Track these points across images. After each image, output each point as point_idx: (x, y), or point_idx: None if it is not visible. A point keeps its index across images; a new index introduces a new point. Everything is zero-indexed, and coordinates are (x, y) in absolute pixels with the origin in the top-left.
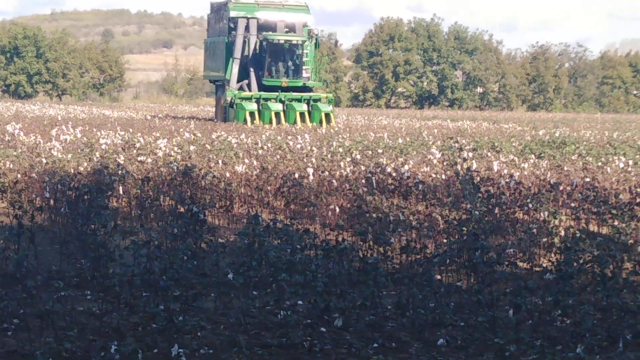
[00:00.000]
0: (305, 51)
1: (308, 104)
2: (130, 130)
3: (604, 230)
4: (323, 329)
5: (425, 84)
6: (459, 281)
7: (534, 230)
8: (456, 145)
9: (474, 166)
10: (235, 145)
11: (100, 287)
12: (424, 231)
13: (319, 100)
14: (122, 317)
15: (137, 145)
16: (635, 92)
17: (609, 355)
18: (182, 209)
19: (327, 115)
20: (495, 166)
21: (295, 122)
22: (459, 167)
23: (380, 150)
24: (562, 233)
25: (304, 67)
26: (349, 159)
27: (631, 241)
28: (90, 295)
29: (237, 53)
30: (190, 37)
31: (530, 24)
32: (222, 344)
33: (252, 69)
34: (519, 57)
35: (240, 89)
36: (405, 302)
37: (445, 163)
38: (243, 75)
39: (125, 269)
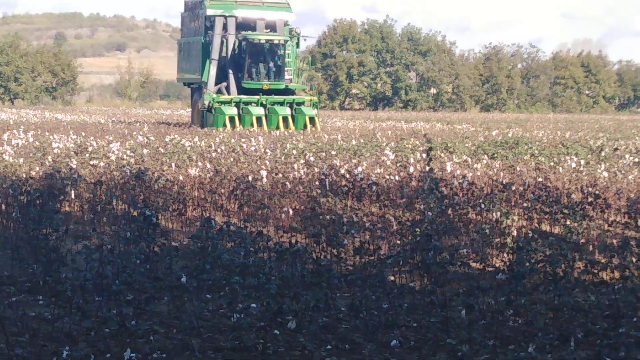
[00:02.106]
0: (287, 51)
1: (291, 107)
2: (83, 134)
3: (556, 230)
4: (276, 332)
5: (379, 85)
6: (412, 282)
7: (487, 231)
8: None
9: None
10: (188, 149)
11: (52, 292)
12: (378, 232)
13: (302, 103)
14: (74, 322)
15: (90, 149)
16: (587, 92)
17: (560, 354)
18: (135, 213)
19: (312, 119)
20: (449, 167)
21: (277, 127)
22: (421, 166)
23: (333, 152)
24: (515, 233)
25: (286, 69)
26: (302, 161)
27: (583, 240)
28: (42, 300)
29: (215, 54)
30: (143, 40)
31: (483, 24)
32: (175, 347)
33: (230, 71)
34: (472, 58)
35: (219, 92)
36: (359, 304)
37: (398, 164)
38: (221, 77)
39: (77, 273)
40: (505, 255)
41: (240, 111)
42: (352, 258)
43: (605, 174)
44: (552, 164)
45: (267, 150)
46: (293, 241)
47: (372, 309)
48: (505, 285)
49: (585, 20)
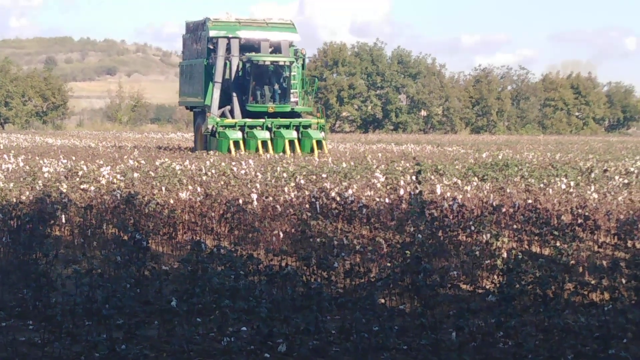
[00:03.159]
0: (292, 73)
1: (298, 130)
2: (74, 158)
3: (546, 252)
4: (267, 355)
5: (369, 108)
6: (403, 304)
7: (477, 253)
8: (412, 166)
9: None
10: (179, 172)
11: (42, 316)
12: (368, 255)
13: (309, 126)
14: (64, 346)
15: (80, 173)
16: (577, 113)
17: None
18: (125, 237)
19: (319, 142)
20: (439, 189)
21: (283, 151)
22: (410, 188)
23: (324, 175)
24: (505, 255)
25: (291, 91)
26: (292, 184)
27: (572, 262)
28: (32, 325)
29: (218, 76)
30: (133, 64)
31: (473, 46)
32: None
33: (234, 94)
34: (462, 80)
35: (223, 115)
36: (349, 327)
37: (388, 187)
38: (225, 100)
39: (67, 298)
40: (495, 277)
41: (245, 135)
42: (342, 281)
43: (595, 195)
44: (542, 185)
45: (258, 174)
46: (283, 264)
47: (362, 331)
48: (495, 307)
49: (574, 41)
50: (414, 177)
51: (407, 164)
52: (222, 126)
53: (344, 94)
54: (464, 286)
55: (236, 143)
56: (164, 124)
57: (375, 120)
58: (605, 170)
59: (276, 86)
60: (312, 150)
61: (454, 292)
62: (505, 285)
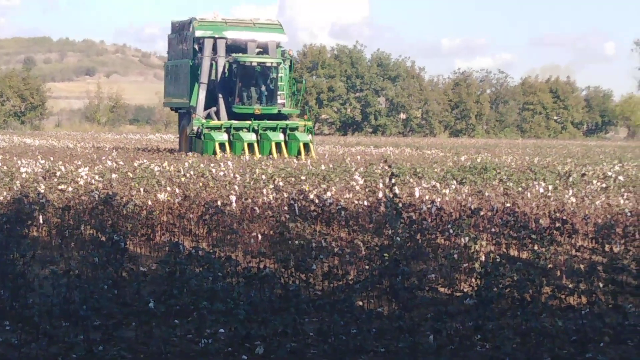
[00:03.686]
0: (279, 74)
1: (284, 133)
2: (52, 158)
3: (524, 255)
4: (244, 357)
5: (348, 110)
6: (380, 307)
7: (455, 256)
8: (385, 170)
9: (396, 191)
10: (157, 173)
11: (18, 317)
12: (346, 258)
13: (296, 128)
14: (41, 347)
15: (58, 173)
16: (555, 117)
17: None
18: (103, 238)
19: (306, 145)
20: (417, 192)
21: (270, 154)
22: (384, 192)
23: (303, 177)
24: (483, 258)
25: (278, 93)
26: (271, 186)
27: (550, 265)
28: (9, 326)
29: (204, 77)
30: (112, 65)
31: (452, 50)
32: None
33: (220, 95)
34: (442, 84)
35: (208, 117)
36: (327, 329)
37: (367, 190)
38: (211, 102)
39: (44, 298)
40: (473, 280)
41: (231, 137)
42: (320, 283)
43: (573, 199)
44: (520, 189)
45: (236, 175)
46: (261, 266)
47: (340, 334)
48: (473, 310)
49: (553, 46)
50: (387, 181)
51: (386, 167)
52: (207, 128)
53: (324, 97)
54: (442, 289)
55: (222, 145)
56: (142, 125)
57: (355, 122)
58: (583, 175)
59: (263, 87)
60: (299, 153)
61: (432, 295)
62: (483, 288)
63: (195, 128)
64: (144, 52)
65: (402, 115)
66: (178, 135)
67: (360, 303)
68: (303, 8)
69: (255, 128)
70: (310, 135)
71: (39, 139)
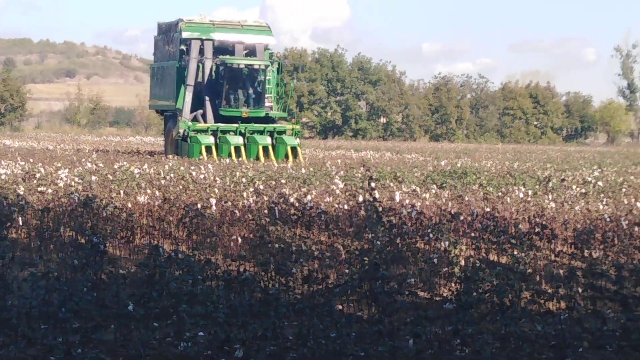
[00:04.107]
0: (267, 77)
1: (272, 136)
2: (31, 160)
3: (504, 260)
4: None
5: (329, 114)
6: (360, 311)
7: (435, 260)
8: (365, 174)
9: (377, 195)
10: (137, 176)
11: None
12: (326, 261)
13: (284, 132)
14: (20, 350)
15: (38, 175)
16: (535, 123)
17: None
18: (82, 240)
19: (294, 149)
20: (398, 196)
21: (257, 158)
22: (364, 196)
23: (283, 181)
24: (462, 263)
25: (266, 95)
26: (251, 189)
27: (530, 270)
28: None
29: (191, 79)
30: (93, 67)
31: (433, 55)
32: None
33: (207, 98)
34: (422, 88)
35: (195, 119)
36: (307, 333)
37: (347, 193)
38: (197, 104)
39: (23, 301)
40: (452, 284)
41: (218, 140)
42: (300, 287)
43: (553, 204)
44: (500, 194)
45: (217, 178)
46: (241, 269)
47: (319, 338)
48: (452, 314)
49: (533, 51)
50: (366, 185)
51: (366, 171)
52: (194, 130)
53: (304, 100)
54: (421, 293)
55: (208, 148)
56: (123, 127)
57: (335, 126)
58: (563, 180)
59: (250, 90)
60: (286, 157)
61: (412, 299)
62: (463, 293)
63: (181, 131)
64: (125, 54)
65: (383, 119)
66: (164, 138)
67: (340, 307)
68: (284, 11)
69: (242, 131)
70: (298, 139)
71: (19, 141)
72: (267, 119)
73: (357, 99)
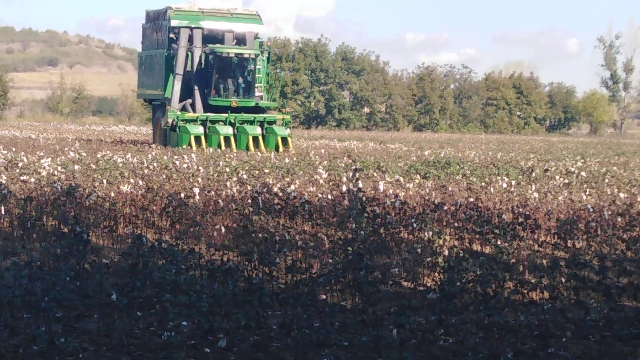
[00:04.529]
0: (257, 66)
1: (262, 126)
2: (14, 149)
3: (487, 250)
4: (207, 350)
5: (312, 104)
6: (344, 301)
7: (418, 250)
8: (349, 165)
9: (360, 185)
10: (120, 165)
11: None
12: (310, 251)
13: (274, 122)
14: (2, 339)
15: (20, 164)
16: (518, 113)
17: None
18: (65, 229)
19: (285, 139)
20: (381, 186)
21: (247, 148)
22: (348, 186)
23: (266, 170)
24: (446, 252)
25: (256, 85)
26: (235, 179)
27: (513, 260)
28: None
29: (180, 68)
30: (76, 55)
31: (417, 45)
32: None
33: (196, 87)
34: (406, 78)
35: (184, 109)
36: (290, 322)
37: (331, 183)
38: (186, 93)
39: (6, 290)
40: (436, 274)
41: (207, 130)
42: (284, 276)
43: (536, 194)
44: (483, 184)
45: (200, 168)
46: (225, 259)
47: (303, 327)
48: (436, 304)
49: (516, 42)
50: (350, 175)
51: (350, 161)
52: (182, 120)
53: (288, 90)
54: (405, 283)
55: (197, 138)
56: (105, 116)
57: (319, 116)
58: (546, 170)
59: (240, 80)
60: (277, 148)
61: (395, 289)
62: (446, 282)
63: (170, 120)
64: (108, 43)
65: (366, 109)
66: (152, 128)
67: (324, 297)
68: (268, 1)
69: (232, 121)
70: (288, 129)
71: (1, 130)
72: (257, 109)
73: (341, 88)
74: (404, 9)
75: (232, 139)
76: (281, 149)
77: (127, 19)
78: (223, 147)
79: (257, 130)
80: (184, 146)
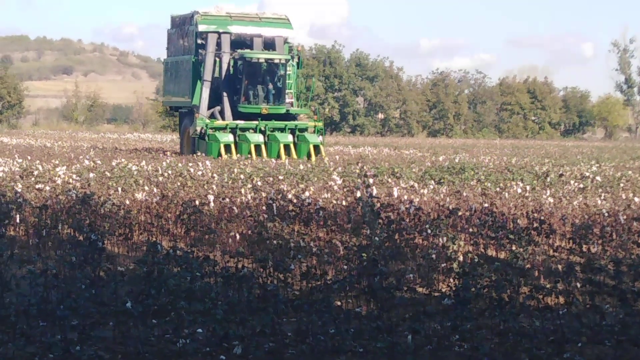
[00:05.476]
0: (287, 72)
1: (293, 134)
2: (29, 157)
3: (502, 255)
4: (222, 357)
5: (327, 110)
6: (359, 307)
7: (433, 256)
8: (362, 171)
9: (374, 192)
10: (135, 172)
11: None
12: (324, 257)
13: (305, 129)
14: (18, 347)
15: (36, 172)
16: (533, 118)
17: None
18: (80, 237)
19: (317, 147)
20: (396, 192)
21: (278, 156)
22: (360, 193)
23: (281, 177)
24: (461, 258)
25: (286, 91)
26: (249, 186)
27: (528, 266)
28: None
29: (208, 75)
30: (90, 64)
31: (431, 50)
32: None
33: (225, 94)
34: (420, 84)
35: (212, 117)
36: (305, 329)
37: (345, 189)
38: (214, 100)
39: (21, 298)
40: (451, 280)
41: (237, 138)
42: (298, 283)
43: (551, 199)
44: (498, 189)
45: (214, 175)
46: (240, 266)
47: (318, 334)
48: (451, 310)
49: (531, 47)
50: (361, 181)
51: (365, 167)
52: (211, 128)
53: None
54: (420, 289)
55: (227, 147)
56: (120, 124)
57: (333, 122)
58: (561, 175)
59: (270, 86)
60: (309, 156)
61: (410, 295)
62: (461, 288)
63: (198, 129)
64: (122, 51)
65: (380, 115)
66: (179, 137)
67: (339, 303)
68: (282, 7)
69: (263, 129)
70: (320, 137)
71: (16, 138)
72: (288, 116)
73: (355, 95)
74: (418, 15)
75: (262, 147)
76: (313, 158)
77: (141, 26)
78: (254, 156)
79: (289, 138)
80: (225, 157)
